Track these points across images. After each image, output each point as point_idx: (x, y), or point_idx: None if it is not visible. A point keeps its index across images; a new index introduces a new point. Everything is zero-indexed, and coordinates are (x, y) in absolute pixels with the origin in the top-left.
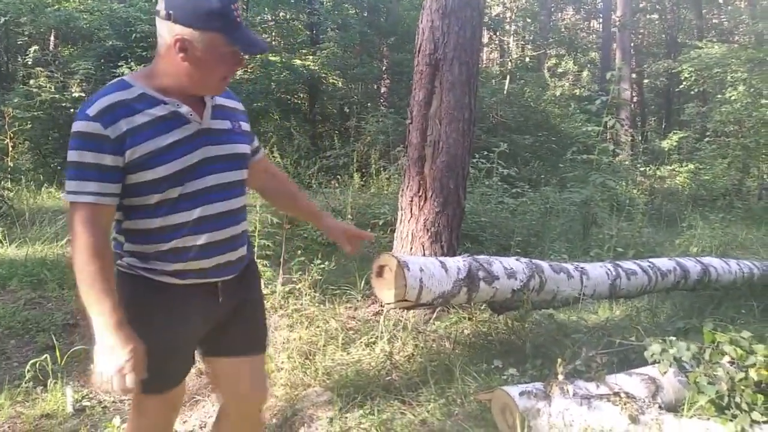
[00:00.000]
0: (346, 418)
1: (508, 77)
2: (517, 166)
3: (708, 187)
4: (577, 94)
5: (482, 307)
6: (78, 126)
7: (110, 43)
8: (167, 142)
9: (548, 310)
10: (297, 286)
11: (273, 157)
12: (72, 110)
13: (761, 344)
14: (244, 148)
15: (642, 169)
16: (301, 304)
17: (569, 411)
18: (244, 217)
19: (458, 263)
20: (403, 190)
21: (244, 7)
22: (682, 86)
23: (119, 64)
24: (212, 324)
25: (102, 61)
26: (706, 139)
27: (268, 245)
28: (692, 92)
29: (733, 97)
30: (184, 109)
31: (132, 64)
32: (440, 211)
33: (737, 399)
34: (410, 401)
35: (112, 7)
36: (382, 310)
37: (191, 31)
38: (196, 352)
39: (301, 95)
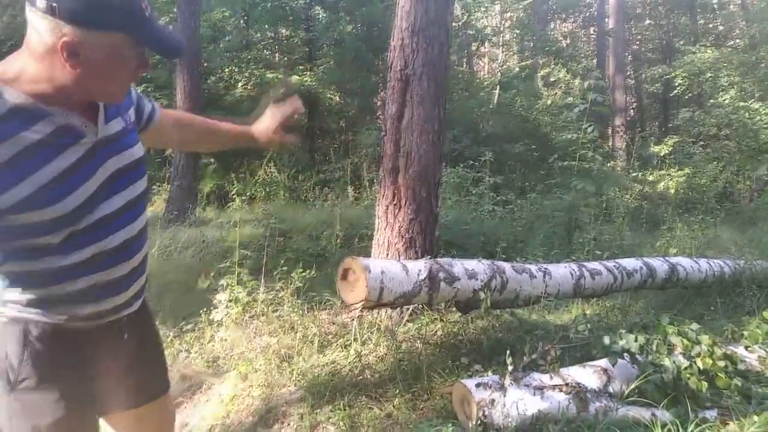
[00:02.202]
0: (317, 413)
1: (497, 88)
2: (506, 175)
3: (699, 190)
4: (570, 102)
5: (453, 309)
6: None
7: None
8: (61, 169)
9: (515, 309)
10: (279, 294)
11: (270, 172)
12: None
13: (706, 336)
14: (140, 150)
15: (634, 174)
16: (283, 311)
17: (523, 401)
18: (147, 236)
19: (419, 266)
20: (379, 199)
21: (244, 24)
22: (675, 91)
23: None
24: (117, 368)
25: None
26: (700, 143)
27: (247, 254)
28: (686, 97)
29: (726, 101)
30: (76, 119)
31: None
32: (414, 218)
33: (683, 386)
34: (378, 397)
35: None
36: (361, 315)
37: (85, 31)
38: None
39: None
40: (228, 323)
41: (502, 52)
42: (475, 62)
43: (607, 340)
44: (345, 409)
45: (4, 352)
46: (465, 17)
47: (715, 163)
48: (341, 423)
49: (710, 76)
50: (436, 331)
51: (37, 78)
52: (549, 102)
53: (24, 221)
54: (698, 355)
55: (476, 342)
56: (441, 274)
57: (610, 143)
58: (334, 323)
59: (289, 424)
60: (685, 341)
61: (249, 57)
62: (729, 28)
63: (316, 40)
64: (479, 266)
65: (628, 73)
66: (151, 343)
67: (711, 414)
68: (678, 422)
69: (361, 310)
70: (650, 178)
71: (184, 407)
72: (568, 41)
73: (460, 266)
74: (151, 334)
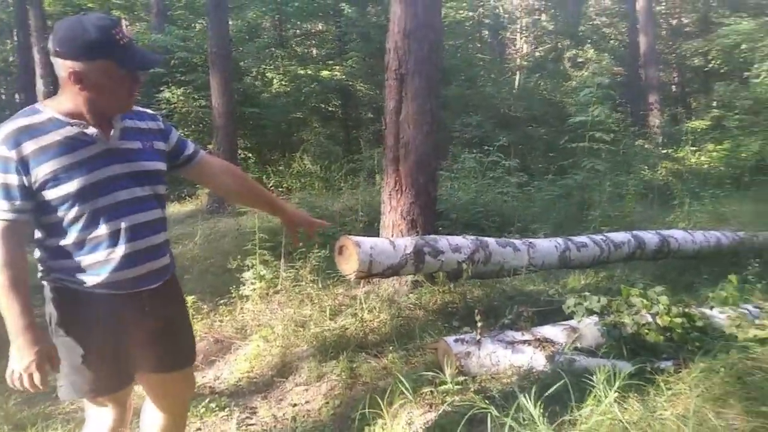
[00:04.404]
0: (323, 366)
1: (518, 73)
2: (526, 157)
3: (736, 165)
4: (599, 81)
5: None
6: None
7: (153, 69)
8: (72, 160)
9: (507, 280)
10: (299, 272)
11: (304, 164)
12: None
13: (664, 297)
14: (155, 165)
15: (664, 151)
16: (302, 286)
17: (496, 353)
18: (162, 228)
19: (406, 242)
20: (383, 186)
21: (277, 22)
22: (710, 65)
23: (161, 89)
24: (141, 335)
25: (146, 87)
26: (736, 117)
27: (265, 238)
28: (721, 71)
29: (763, 74)
30: (90, 130)
31: (173, 88)
32: (413, 202)
33: (641, 341)
34: (377, 354)
35: (152, 37)
36: (372, 289)
37: (80, 63)
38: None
39: (335, 103)
40: (254, 297)
41: (521, 37)
42: (508, 46)
43: (571, 301)
44: (346, 363)
45: (50, 308)
46: (482, 4)
47: (753, 137)
48: (342, 374)
49: (744, 49)
50: (436, 300)
51: (66, 103)
52: (574, 84)
53: (50, 197)
54: (657, 313)
55: (468, 308)
56: (426, 249)
57: (641, 121)
58: (347, 296)
59: (300, 375)
60: (644, 301)
61: (283, 54)
62: None
63: (344, 34)
64: (463, 241)
65: (671, 45)
66: (178, 322)
67: (667, 364)
68: (619, 370)
69: (369, 283)
70: (680, 154)
71: (217, 365)
72: (604, 19)
73: (444, 241)
74: (178, 315)
